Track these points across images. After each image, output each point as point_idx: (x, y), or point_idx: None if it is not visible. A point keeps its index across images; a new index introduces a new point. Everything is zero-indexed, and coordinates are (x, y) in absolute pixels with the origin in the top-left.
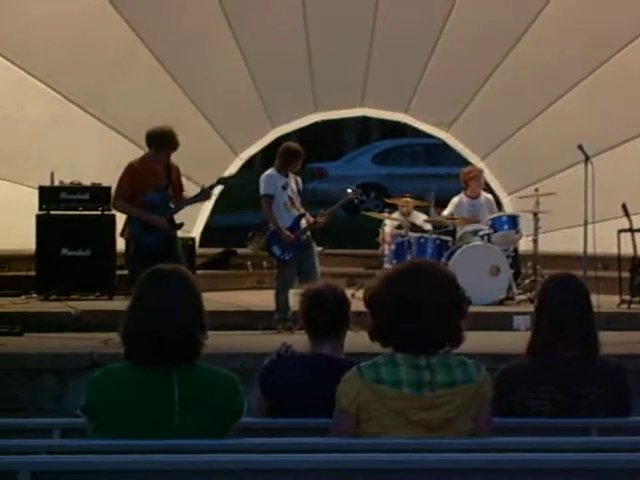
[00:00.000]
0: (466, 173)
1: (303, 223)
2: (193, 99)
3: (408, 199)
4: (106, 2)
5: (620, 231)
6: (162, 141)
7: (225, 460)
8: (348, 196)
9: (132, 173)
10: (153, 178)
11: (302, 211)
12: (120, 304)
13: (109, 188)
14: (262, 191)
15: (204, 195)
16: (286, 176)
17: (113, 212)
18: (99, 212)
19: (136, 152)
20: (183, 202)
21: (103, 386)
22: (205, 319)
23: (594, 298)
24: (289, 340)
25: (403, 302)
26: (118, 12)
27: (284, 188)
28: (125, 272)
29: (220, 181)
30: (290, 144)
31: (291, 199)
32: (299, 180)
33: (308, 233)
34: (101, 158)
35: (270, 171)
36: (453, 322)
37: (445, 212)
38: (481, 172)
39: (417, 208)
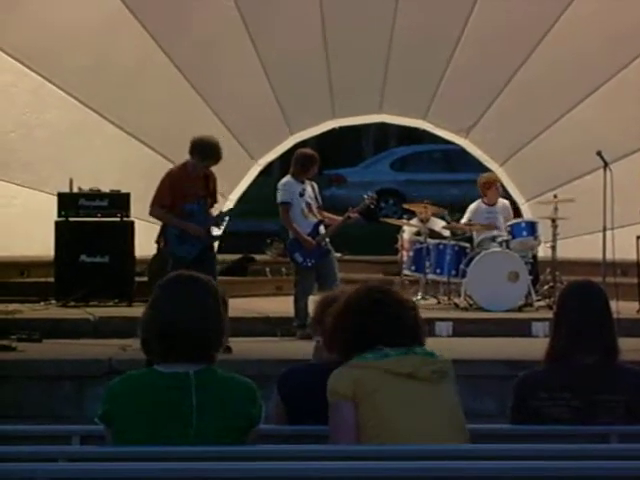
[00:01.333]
0: (483, 182)
1: (322, 229)
2: (211, 105)
3: (426, 205)
4: (125, 9)
5: (639, 237)
6: (209, 153)
7: (243, 468)
8: (364, 201)
9: (173, 181)
10: (193, 187)
11: (319, 217)
12: (139, 310)
13: (128, 195)
14: (279, 199)
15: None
16: (302, 182)
17: (132, 219)
18: (118, 219)
19: (155, 159)
20: (220, 215)
21: (121, 393)
22: (224, 325)
23: (613, 304)
24: (307, 346)
25: (375, 309)
26: (137, 19)
27: (301, 195)
28: (144, 279)
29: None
30: (304, 150)
31: (309, 205)
32: (315, 186)
33: (327, 239)
34: (120, 165)
35: (287, 178)
36: (417, 318)
37: (463, 220)
38: (498, 180)
39: (435, 215)
